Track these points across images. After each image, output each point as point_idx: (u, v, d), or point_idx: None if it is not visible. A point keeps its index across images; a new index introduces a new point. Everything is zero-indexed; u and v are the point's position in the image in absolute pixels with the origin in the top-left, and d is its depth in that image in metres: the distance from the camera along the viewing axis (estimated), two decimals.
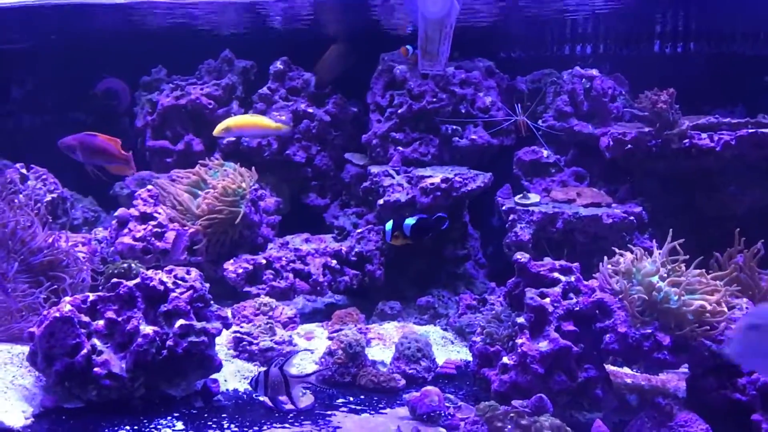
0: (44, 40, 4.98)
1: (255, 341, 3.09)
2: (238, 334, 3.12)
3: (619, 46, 4.47)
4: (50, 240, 3.19)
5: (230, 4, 4.08)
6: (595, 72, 4.03)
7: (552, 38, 4.53)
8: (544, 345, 2.50)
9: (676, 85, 3.58)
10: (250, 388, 2.65)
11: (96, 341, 2.56)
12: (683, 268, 2.58)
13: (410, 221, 3.33)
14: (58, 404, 2.51)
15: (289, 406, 2.59)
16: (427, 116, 4.09)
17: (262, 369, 2.67)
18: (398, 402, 2.74)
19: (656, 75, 3.95)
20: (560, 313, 2.56)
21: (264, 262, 3.71)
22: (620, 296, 2.54)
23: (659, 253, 2.61)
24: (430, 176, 3.73)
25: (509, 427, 2.16)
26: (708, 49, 4.37)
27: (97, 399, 2.51)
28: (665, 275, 2.54)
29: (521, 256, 2.74)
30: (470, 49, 4.28)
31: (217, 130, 3.97)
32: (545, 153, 4.03)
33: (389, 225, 3.37)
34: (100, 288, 3.00)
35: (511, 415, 2.20)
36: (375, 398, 2.79)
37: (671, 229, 2.63)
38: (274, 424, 2.50)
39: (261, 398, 2.68)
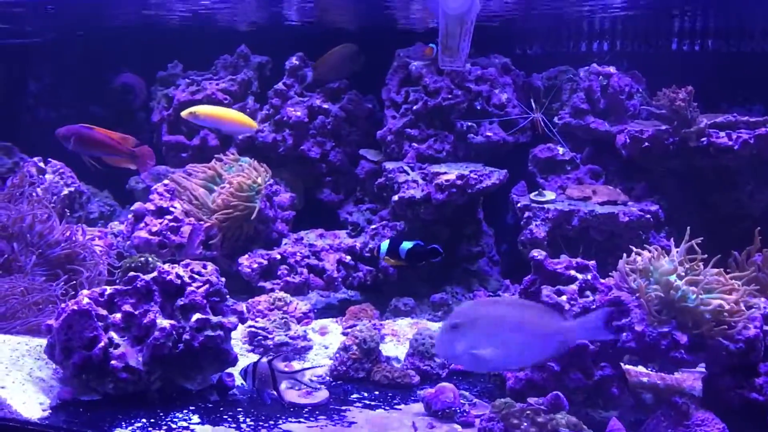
0: (61, 34, 5.02)
1: (270, 336, 3.10)
2: (253, 329, 3.14)
3: (636, 43, 4.44)
4: (67, 233, 3.22)
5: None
6: (612, 69, 4.00)
7: (568, 35, 4.51)
8: None
9: (694, 83, 3.55)
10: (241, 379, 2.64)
11: (113, 334, 2.57)
12: (701, 266, 2.56)
13: (407, 245, 3.36)
14: (75, 396, 2.53)
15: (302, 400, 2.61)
16: (442, 113, 4.09)
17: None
18: (413, 398, 2.74)
19: (674, 72, 3.92)
20: (577, 311, 2.55)
21: (278, 257, 3.72)
22: (637, 294, 2.52)
23: (677, 252, 2.60)
24: (445, 173, 3.72)
25: (525, 424, 2.16)
26: (726, 47, 4.34)
27: (114, 392, 2.52)
28: (683, 274, 2.53)
29: (537, 254, 2.73)
30: (486, 46, 4.27)
31: (185, 112, 3.94)
32: (561, 150, 4.02)
33: (385, 245, 3.40)
34: (117, 281, 3.02)
35: (527, 412, 2.20)
36: (389, 394, 2.79)
37: (689, 228, 2.62)
38: (289, 419, 2.51)
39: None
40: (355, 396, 2.77)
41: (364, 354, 2.93)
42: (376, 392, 2.81)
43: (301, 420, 2.51)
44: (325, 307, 3.71)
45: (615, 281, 2.63)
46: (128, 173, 4.48)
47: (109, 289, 2.66)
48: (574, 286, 2.62)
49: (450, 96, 4.06)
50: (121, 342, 2.58)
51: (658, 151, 3.63)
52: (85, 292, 2.65)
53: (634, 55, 4.39)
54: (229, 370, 2.74)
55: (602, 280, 2.68)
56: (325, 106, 4.40)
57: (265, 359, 2.56)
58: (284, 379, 2.61)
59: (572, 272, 2.67)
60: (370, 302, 3.67)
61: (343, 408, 2.64)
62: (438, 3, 2.80)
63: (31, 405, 2.44)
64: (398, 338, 3.36)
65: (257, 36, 4.78)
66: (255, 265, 3.64)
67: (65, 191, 3.99)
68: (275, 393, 2.56)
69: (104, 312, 2.60)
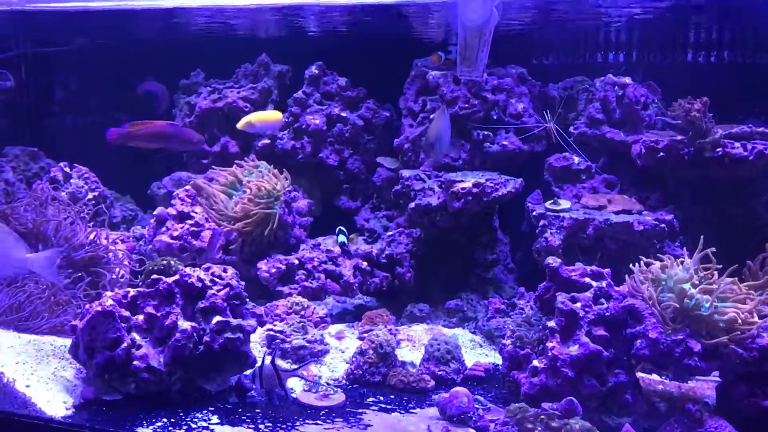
0: (87, 43, 5.12)
1: (288, 339, 3.15)
2: (272, 332, 3.19)
3: (652, 54, 4.46)
4: (91, 237, 3.29)
5: (267, 10, 4.16)
6: (627, 80, 4.02)
7: (585, 45, 4.54)
8: (574, 349, 2.52)
9: (710, 94, 3.57)
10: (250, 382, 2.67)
11: (135, 335, 2.64)
12: (715, 275, 2.59)
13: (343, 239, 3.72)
14: (97, 396, 2.59)
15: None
16: (459, 121, 4.13)
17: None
18: (427, 402, 2.78)
19: (689, 83, 3.94)
20: (591, 318, 2.58)
21: (296, 262, 3.78)
22: (650, 302, 2.55)
23: (690, 261, 2.62)
24: (461, 181, 3.76)
25: (539, 428, 2.19)
26: (742, 58, 4.34)
27: (136, 392, 2.58)
28: (697, 282, 2.55)
29: (553, 261, 2.76)
30: (503, 56, 4.31)
31: (241, 123, 4.10)
32: (576, 160, 4.04)
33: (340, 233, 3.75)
34: (140, 284, 3.08)
35: (542, 417, 2.23)
36: (405, 398, 2.83)
37: (702, 237, 2.64)
38: (307, 421, 2.56)
39: (294, 395, 2.75)
40: (371, 399, 2.81)
41: (381, 358, 2.97)
42: (392, 396, 2.85)
43: (318, 422, 2.55)
44: (342, 312, 3.75)
45: (628, 289, 2.66)
46: (150, 179, 4.57)
47: (132, 291, 2.73)
48: (588, 294, 2.64)
49: (467, 105, 4.10)
50: (144, 343, 2.64)
51: (673, 161, 3.65)
52: (109, 293, 2.71)
53: (649, 65, 4.40)
54: (248, 372, 2.79)
55: (617, 288, 2.70)
56: (344, 114, 4.46)
57: (267, 360, 2.60)
58: (288, 377, 2.67)
59: (587, 280, 2.70)
60: (385, 308, 3.71)
61: (359, 411, 2.68)
62: (457, 14, 2.85)
63: (55, 404, 2.51)
64: (413, 343, 3.40)
65: (278, 45, 4.85)
66: (273, 270, 3.69)
67: (89, 196, 4.08)
68: (282, 391, 2.62)
69: (127, 313, 2.67)
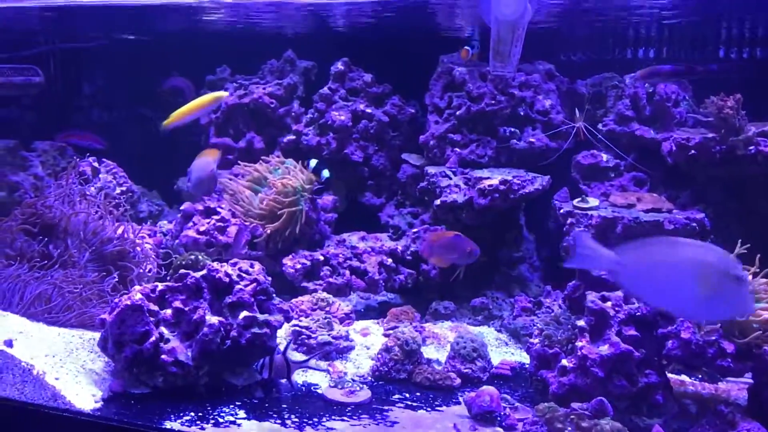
0: (115, 39, 5.16)
1: (313, 335, 3.15)
2: (297, 328, 3.19)
3: (683, 50, 4.39)
4: (120, 231, 3.31)
5: (293, 5, 4.16)
6: None
7: (614, 42, 4.48)
8: (604, 349, 2.49)
9: (742, 91, 3.51)
10: (257, 371, 2.72)
11: (164, 329, 2.65)
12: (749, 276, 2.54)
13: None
14: (125, 389, 2.60)
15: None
16: (485, 118, 4.10)
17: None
18: (454, 400, 2.76)
19: (721, 80, 3.87)
20: (622, 318, 2.55)
21: (321, 258, 3.78)
22: None
23: None
24: (488, 178, 3.74)
25: (569, 428, 2.17)
26: None
27: (163, 385, 2.59)
28: None
29: None
30: (530, 52, 4.27)
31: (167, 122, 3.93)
32: (604, 157, 4.00)
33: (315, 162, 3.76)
34: (168, 278, 3.09)
35: (572, 416, 2.20)
36: (431, 396, 2.82)
37: (740, 240, 2.59)
38: (333, 417, 2.55)
39: (320, 391, 2.75)
40: (396, 396, 2.80)
41: (406, 355, 2.96)
42: (418, 393, 2.83)
43: (345, 418, 2.55)
44: (366, 308, 3.74)
45: None
46: (176, 174, 4.60)
47: (160, 286, 2.73)
48: (619, 293, 2.61)
49: (493, 102, 4.07)
50: (171, 337, 2.64)
51: (704, 158, 3.59)
52: (138, 288, 2.73)
53: (680, 62, 4.33)
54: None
55: None
56: (369, 110, 4.44)
57: (277, 353, 2.64)
58: (297, 369, 2.74)
59: None
60: (410, 305, 3.69)
61: (386, 408, 2.67)
62: (490, 8, 2.83)
63: (84, 396, 2.52)
64: (439, 341, 3.38)
65: (303, 41, 4.85)
66: (298, 266, 3.70)
67: (117, 190, 4.11)
68: (288, 381, 2.70)
69: (155, 308, 2.67)
